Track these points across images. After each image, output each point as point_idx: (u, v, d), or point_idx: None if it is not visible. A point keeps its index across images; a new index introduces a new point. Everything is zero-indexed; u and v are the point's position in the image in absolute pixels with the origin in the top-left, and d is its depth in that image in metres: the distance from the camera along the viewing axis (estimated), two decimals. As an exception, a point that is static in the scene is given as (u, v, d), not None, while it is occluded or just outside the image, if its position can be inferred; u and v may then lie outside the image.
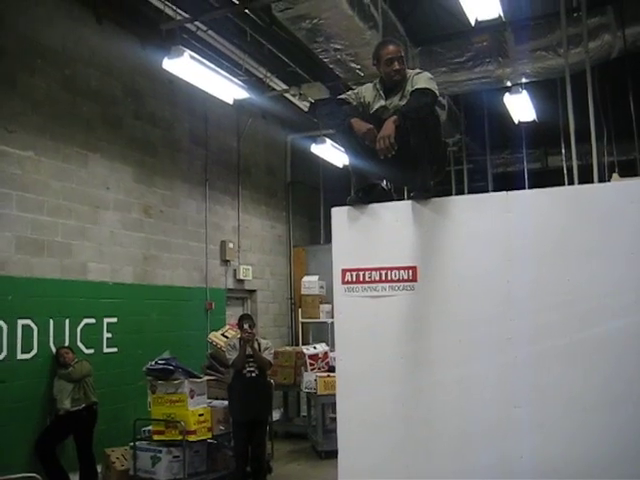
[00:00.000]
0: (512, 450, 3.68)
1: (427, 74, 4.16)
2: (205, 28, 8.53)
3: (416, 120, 3.83)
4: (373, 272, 4.10)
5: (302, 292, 12.30)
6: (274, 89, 10.30)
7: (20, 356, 7.25)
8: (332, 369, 9.65)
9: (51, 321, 7.66)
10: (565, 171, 12.57)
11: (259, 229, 12.59)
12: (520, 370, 3.73)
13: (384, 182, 4.51)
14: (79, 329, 8.03)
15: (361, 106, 4.25)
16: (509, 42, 9.45)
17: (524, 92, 10.36)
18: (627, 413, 3.51)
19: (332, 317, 11.53)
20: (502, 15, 7.74)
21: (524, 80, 10.04)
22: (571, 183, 10.68)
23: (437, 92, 4.00)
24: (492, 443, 3.75)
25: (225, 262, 11.23)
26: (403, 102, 4.06)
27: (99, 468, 7.64)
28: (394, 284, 4.05)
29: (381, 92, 4.24)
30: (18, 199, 7.39)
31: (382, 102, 4.20)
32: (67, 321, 7.88)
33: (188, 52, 7.61)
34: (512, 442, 3.69)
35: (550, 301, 3.75)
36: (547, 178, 14.08)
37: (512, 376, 3.75)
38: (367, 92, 4.31)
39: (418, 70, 4.27)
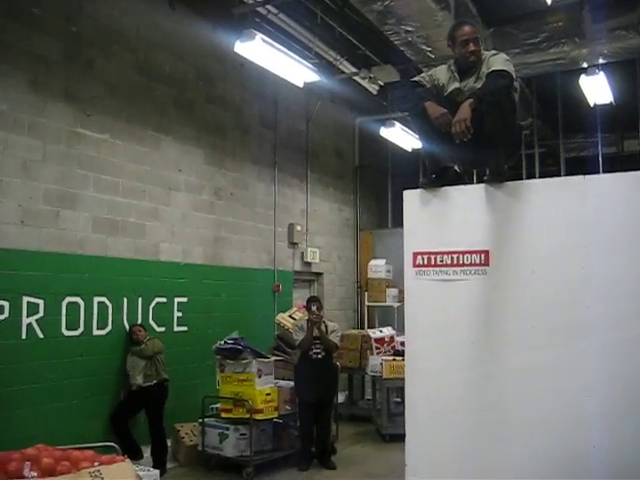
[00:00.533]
0: (584, 440, 3.62)
1: (503, 55, 4.08)
2: (276, 11, 8.57)
3: (492, 103, 3.77)
4: (445, 256, 4.08)
5: (369, 276, 12.30)
6: (344, 72, 10.28)
7: (96, 332, 7.51)
8: (398, 353, 9.64)
9: (125, 299, 7.90)
10: (642, 156, 12.17)
11: (327, 212, 12.63)
12: (595, 359, 3.66)
13: (456, 165, 4.45)
14: (151, 307, 8.26)
15: (435, 88, 4.21)
16: (586, 21, 9.11)
17: (601, 73, 10.00)
18: None
19: (398, 301, 11.58)
20: (580, -7, 7.50)
21: (601, 61, 9.69)
22: (649, 168, 10.31)
23: (514, 74, 3.93)
24: (563, 432, 3.69)
25: (293, 244, 11.33)
26: (478, 84, 4.00)
27: (169, 442, 7.87)
28: (466, 268, 4.02)
29: (456, 74, 4.19)
30: (95, 180, 7.62)
31: (457, 84, 4.15)
32: (140, 299, 8.11)
33: (260, 35, 7.66)
34: (584, 432, 3.63)
35: (628, 289, 3.66)
36: (623, 163, 13.60)
37: (586, 365, 3.68)
38: (441, 74, 4.26)
39: (494, 51, 4.19)
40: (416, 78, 4.32)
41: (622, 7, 8.92)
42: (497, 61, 3.99)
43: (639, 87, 10.57)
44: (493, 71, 3.90)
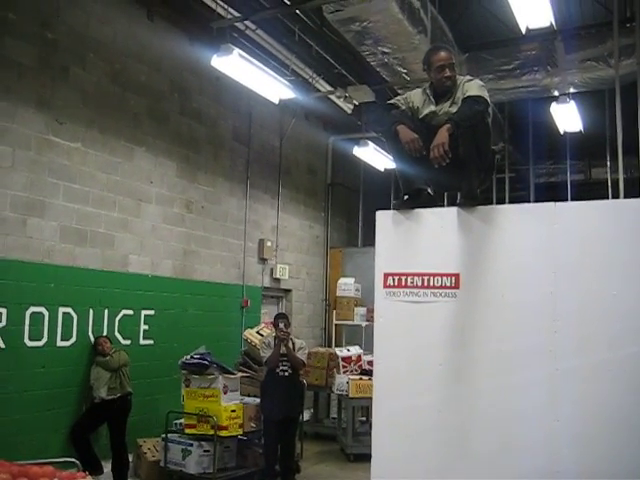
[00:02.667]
0: (550, 464, 3.63)
1: (478, 81, 4.14)
2: (254, 27, 8.59)
3: (468, 128, 3.81)
4: (415, 277, 4.09)
5: (337, 294, 12.30)
6: (319, 90, 10.32)
7: (60, 343, 7.38)
8: (365, 372, 9.64)
9: (91, 310, 7.78)
10: (609, 183, 12.41)
11: (297, 229, 12.63)
12: (561, 383, 3.68)
13: (429, 188, 4.48)
14: (117, 320, 8.15)
15: (410, 111, 4.25)
16: (559, 51, 9.33)
17: (571, 102, 10.20)
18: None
19: (366, 320, 11.59)
20: (554, 24, 7.64)
21: (572, 90, 9.90)
22: (615, 196, 10.53)
23: (489, 100, 3.98)
24: (529, 456, 3.71)
25: (262, 260, 11.29)
26: (453, 109, 4.05)
27: (130, 457, 7.74)
28: (436, 290, 4.03)
29: (431, 97, 4.23)
30: (65, 189, 7.53)
31: (432, 107, 4.19)
32: (106, 311, 8.00)
33: (237, 50, 7.67)
34: (550, 456, 3.64)
35: (594, 315, 3.70)
36: (590, 190, 13.85)
37: (553, 389, 3.71)
38: (416, 97, 4.31)
39: (469, 77, 4.25)
40: (391, 100, 4.36)
41: (593, 39, 9.15)
42: (472, 87, 4.04)
43: (608, 117, 10.78)
44: (469, 97, 3.95)
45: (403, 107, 4.28)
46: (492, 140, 4.36)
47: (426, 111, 4.23)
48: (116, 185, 8.23)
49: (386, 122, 4.17)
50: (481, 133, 3.96)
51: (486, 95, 3.99)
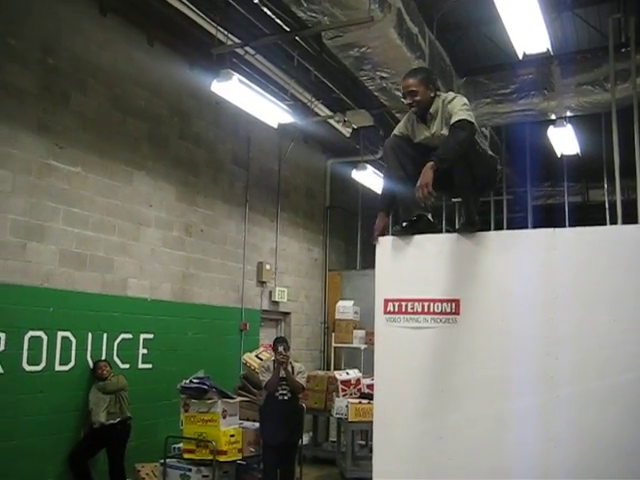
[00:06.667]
0: (551, 491, 3.62)
1: (462, 100, 4.02)
2: (253, 52, 8.65)
3: (457, 158, 3.80)
4: (415, 303, 4.09)
5: (336, 317, 12.28)
6: (318, 114, 10.39)
7: (58, 367, 7.37)
8: (364, 396, 9.59)
9: (90, 334, 7.78)
10: (607, 205, 12.45)
11: (296, 252, 12.64)
12: (561, 409, 3.68)
13: (430, 214, 4.49)
14: (116, 343, 8.14)
15: (407, 137, 4.25)
16: (555, 75, 9.40)
17: (568, 125, 10.27)
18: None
19: (365, 343, 11.57)
20: (550, 49, 7.72)
21: (569, 114, 9.97)
22: (612, 218, 10.57)
23: (474, 120, 3.90)
24: (530, 483, 3.70)
25: (261, 283, 11.29)
26: (445, 131, 3.97)
27: (129, 483, 7.70)
28: (436, 316, 4.03)
29: (420, 121, 4.21)
30: (64, 213, 7.55)
31: (426, 133, 4.17)
32: (105, 335, 7.99)
33: (237, 76, 7.73)
34: (551, 483, 3.64)
35: (595, 341, 3.70)
36: (587, 212, 13.93)
37: (552, 415, 3.70)
38: (402, 125, 4.33)
39: (452, 95, 4.14)
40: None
41: (589, 64, 9.24)
42: (455, 108, 3.95)
43: (604, 140, 10.85)
44: (452, 126, 3.88)
45: (402, 134, 4.30)
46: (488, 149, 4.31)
47: (421, 137, 4.22)
48: (116, 209, 8.26)
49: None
50: (472, 157, 3.93)
51: (470, 116, 3.90)
